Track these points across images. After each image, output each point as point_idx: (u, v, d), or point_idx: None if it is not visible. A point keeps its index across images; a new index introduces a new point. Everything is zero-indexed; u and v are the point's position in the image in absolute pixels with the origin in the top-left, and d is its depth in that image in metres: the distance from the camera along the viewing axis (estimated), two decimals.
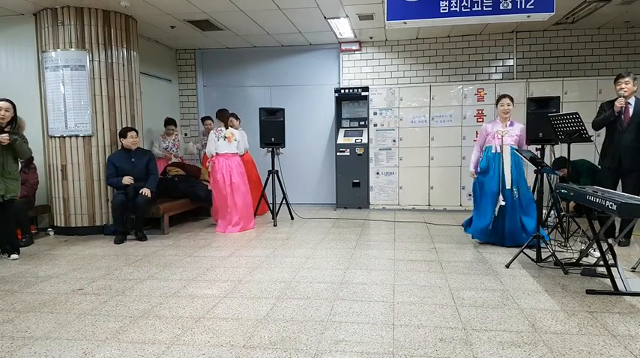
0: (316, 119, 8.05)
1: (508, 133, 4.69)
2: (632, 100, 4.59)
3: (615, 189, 4.49)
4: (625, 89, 4.52)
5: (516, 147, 4.69)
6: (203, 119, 7.34)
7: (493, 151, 4.73)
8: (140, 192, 5.28)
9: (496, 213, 4.61)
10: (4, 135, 4.15)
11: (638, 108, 4.58)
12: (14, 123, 4.39)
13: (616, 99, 4.56)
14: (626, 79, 4.52)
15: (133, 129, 5.52)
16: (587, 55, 7.24)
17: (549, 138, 5.35)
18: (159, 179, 5.77)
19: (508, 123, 4.75)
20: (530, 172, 6.91)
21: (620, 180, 4.75)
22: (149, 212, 5.48)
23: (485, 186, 4.74)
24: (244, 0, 5.57)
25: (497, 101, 4.84)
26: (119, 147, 5.69)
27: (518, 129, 4.78)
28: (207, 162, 6.04)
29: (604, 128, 4.79)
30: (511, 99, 4.78)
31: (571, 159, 5.73)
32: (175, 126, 7.05)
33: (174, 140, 7.00)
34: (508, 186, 4.61)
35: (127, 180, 5.26)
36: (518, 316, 2.86)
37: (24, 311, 3.10)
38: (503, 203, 4.58)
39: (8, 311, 3.11)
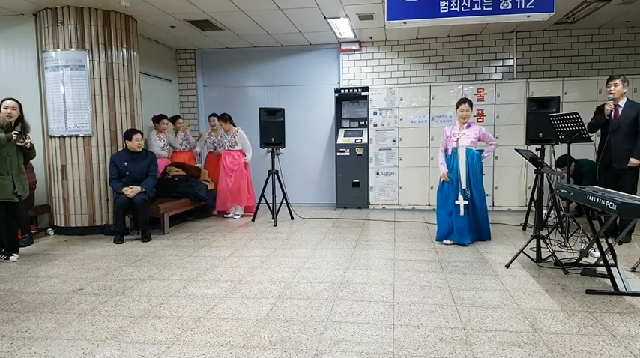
0: (316, 119, 8.04)
1: (464, 135, 4.83)
2: (622, 102, 4.73)
3: (615, 188, 4.50)
4: (613, 91, 4.68)
5: (473, 148, 4.83)
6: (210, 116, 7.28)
7: (450, 153, 4.89)
8: (131, 188, 5.26)
9: (462, 212, 4.74)
10: (27, 140, 4.34)
11: (628, 110, 4.69)
12: (21, 123, 4.45)
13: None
14: (615, 82, 4.69)
15: (138, 131, 5.52)
16: (587, 55, 7.24)
17: (549, 138, 5.36)
18: (159, 179, 5.77)
19: (465, 125, 4.86)
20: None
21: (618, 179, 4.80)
22: (149, 212, 5.48)
23: (445, 189, 4.89)
24: (244, 0, 5.57)
25: (457, 105, 4.92)
26: (119, 148, 5.70)
27: (475, 131, 4.87)
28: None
29: (599, 129, 4.92)
30: (470, 104, 4.87)
31: (575, 158, 5.72)
32: (167, 118, 6.94)
33: (166, 135, 6.92)
34: (464, 187, 4.78)
35: (128, 192, 5.24)
36: (518, 316, 2.86)
37: (24, 311, 3.10)
38: (465, 202, 4.74)
39: (8, 311, 3.11)
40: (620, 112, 4.71)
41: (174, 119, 7.14)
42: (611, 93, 4.68)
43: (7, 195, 4.24)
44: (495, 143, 4.99)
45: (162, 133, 6.77)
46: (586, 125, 4.90)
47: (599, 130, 4.98)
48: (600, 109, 4.83)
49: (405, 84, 7.56)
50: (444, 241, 4.88)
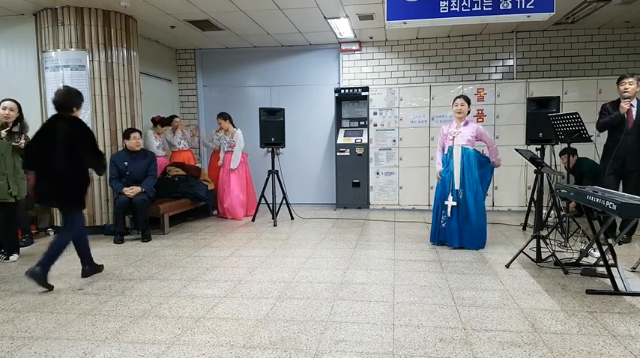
0: (316, 119, 8.04)
1: (460, 134, 4.65)
2: (634, 102, 4.62)
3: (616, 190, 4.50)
4: (628, 89, 4.55)
5: (469, 147, 4.64)
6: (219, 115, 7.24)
7: (446, 152, 4.75)
8: (131, 188, 5.26)
9: (449, 213, 4.61)
10: (22, 141, 4.27)
11: None
12: (19, 124, 4.43)
13: (618, 99, 4.60)
14: (630, 80, 4.56)
15: (136, 130, 5.52)
16: (587, 55, 7.23)
17: (549, 138, 5.36)
18: (159, 179, 5.77)
19: (462, 123, 4.70)
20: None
21: (621, 181, 4.77)
22: (149, 212, 5.48)
23: (439, 188, 4.78)
24: (244, 0, 5.57)
25: (453, 102, 4.79)
26: (119, 148, 5.70)
27: (473, 129, 4.68)
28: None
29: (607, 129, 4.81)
30: (466, 99, 4.71)
31: (579, 156, 5.65)
32: (170, 125, 6.97)
33: (165, 134, 6.93)
34: (457, 187, 4.61)
35: (129, 192, 5.24)
36: (518, 316, 2.86)
37: (24, 311, 3.10)
38: (454, 203, 4.58)
39: (8, 311, 3.11)
40: (634, 112, 4.60)
41: (170, 118, 7.14)
42: (626, 92, 4.54)
43: (1, 195, 4.23)
44: (493, 144, 4.84)
45: (160, 134, 6.77)
46: (595, 124, 4.86)
47: (597, 131, 4.94)
48: (615, 107, 4.65)
49: (405, 84, 7.56)
50: (436, 244, 4.79)
